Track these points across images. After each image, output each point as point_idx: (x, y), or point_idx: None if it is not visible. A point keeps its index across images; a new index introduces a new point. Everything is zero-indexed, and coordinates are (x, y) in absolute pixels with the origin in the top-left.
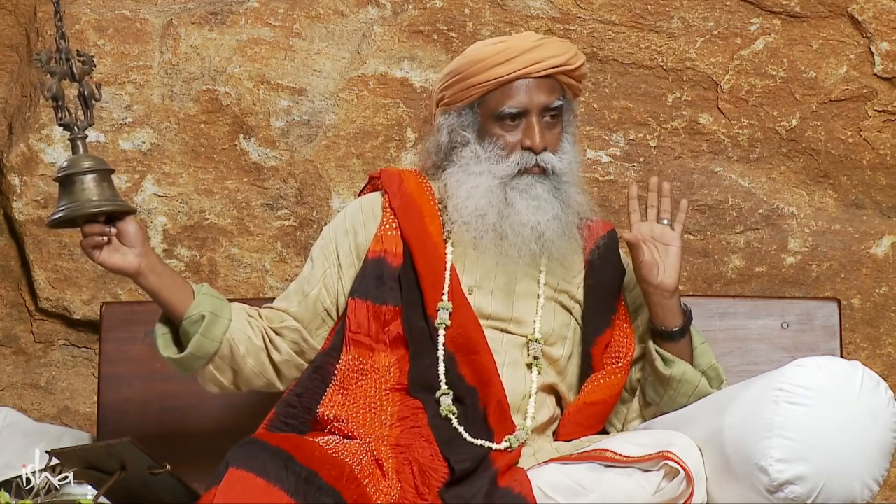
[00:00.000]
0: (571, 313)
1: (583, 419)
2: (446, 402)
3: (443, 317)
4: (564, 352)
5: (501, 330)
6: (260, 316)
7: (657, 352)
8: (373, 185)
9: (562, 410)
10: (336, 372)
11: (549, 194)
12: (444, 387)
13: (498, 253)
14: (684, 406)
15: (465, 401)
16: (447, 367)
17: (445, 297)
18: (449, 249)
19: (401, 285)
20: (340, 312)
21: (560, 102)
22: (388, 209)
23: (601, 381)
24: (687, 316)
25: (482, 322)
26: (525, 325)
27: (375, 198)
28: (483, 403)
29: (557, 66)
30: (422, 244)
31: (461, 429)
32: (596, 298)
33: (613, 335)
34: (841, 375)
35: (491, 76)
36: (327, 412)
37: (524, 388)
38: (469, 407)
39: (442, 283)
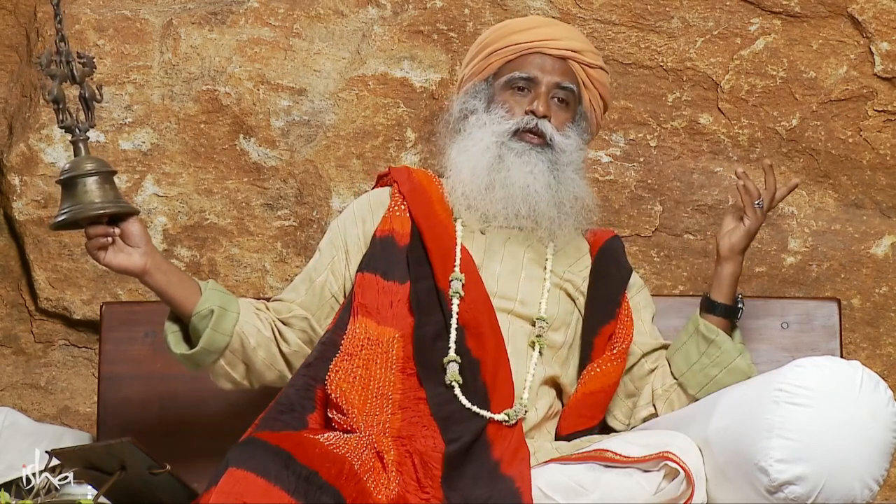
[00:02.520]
0: (575, 304)
1: (584, 409)
2: (453, 370)
3: (456, 286)
4: (566, 339)
5: (508, 311)
6: (267, 308)
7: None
8: (381, 183)
9: (563, 405)
10: (343, 342)
11: (544, 165)
12: (452, 353)
13: (486, 205)
14: (715, 378)
15: (468, 373)
16: (457, 337)
17: (457, 269)
18: (459, 228)
19: (408, 263)
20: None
21: (571, 86)
22: (397, 195)
23: (598, 369)
24: (736, 303)
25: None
26: (530, 306)
27: (384, 190)
28: (484, 376)
29: (573, 50)
30: (431, 224)
31: (462, 398)
32: (601, 291)
33: (616, 327)
34: (841, 375)
35: (509, 41)
36: (334, 378)
37: (526, 368)
38: (470, 379)
39: (453, 257)
